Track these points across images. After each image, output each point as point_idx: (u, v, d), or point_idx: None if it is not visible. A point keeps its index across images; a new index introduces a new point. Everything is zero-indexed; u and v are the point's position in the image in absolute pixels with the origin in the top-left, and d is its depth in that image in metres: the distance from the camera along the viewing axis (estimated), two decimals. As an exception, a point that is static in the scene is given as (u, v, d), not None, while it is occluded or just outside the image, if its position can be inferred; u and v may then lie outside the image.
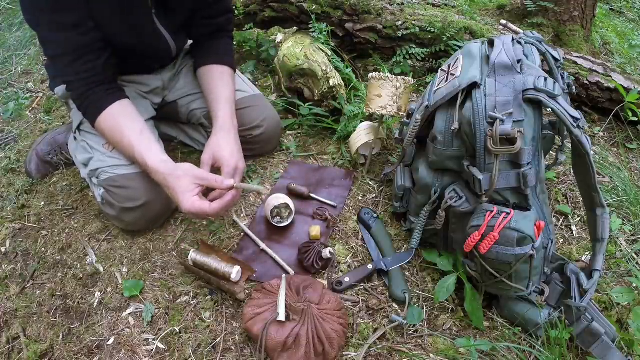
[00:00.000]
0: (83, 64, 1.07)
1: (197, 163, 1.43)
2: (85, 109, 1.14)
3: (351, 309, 1.03)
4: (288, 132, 1.58)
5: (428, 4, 2.09)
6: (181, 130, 1.48)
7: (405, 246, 1.18)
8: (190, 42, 1.42)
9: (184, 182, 1.03)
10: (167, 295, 1.08)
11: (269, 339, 0.88)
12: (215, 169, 1.19)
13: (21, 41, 2.35)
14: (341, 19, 1.77)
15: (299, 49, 1.60)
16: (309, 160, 1.48)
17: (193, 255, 1.07)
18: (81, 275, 1.14)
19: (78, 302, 1.09)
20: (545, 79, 0.88)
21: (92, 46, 1.07)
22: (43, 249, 1.23)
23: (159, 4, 1.15)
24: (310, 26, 1.71)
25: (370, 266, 1.10)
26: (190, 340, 0.99)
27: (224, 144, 1.18)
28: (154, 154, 1.08)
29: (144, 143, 1.09)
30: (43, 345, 1.01)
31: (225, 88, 1.28)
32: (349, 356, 0.94)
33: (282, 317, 0.89)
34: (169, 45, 1.26)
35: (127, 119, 1.12)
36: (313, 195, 1.31)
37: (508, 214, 0.86)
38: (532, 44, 1.00)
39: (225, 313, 1.03)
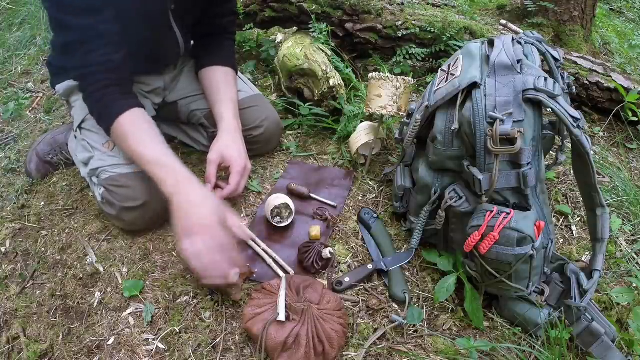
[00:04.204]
0: (100, 56, 1.03)
1: (197, 163, 1.45)
2: (100, 112, 1.10)
3: (351, 309, 1.03)
4: (288, 132, 1.58)
5: (428, 4, 2.10)
6: (181, 131, 1.48)
7: (405, 246, 1.18)
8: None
9: (210, 205, 0.99)
10: (167, 295, 1.08)
11: (269, 339, 0.88)
12: (222, 169, 1.19)
13: (21, 41, 2.35)
14: (341, 19, 1.77)
15: (299, 49, 1.60)
16: (309, 160, 1.48)
17: None
18: (81, 275, 1.14)
19: (78, 302, 1.09)
20: (545, 79, 0.88)
21: (111, 38, 1.03)
22: (43, 249, 1.23)
23: (178, 2, 1.15)
24: (310, 26, 1.71)
25: (370, 266, 1.10)
26: (190, 340, 0.99)
27: (232, 144, 1.18)
28: (181, 165, 1.05)
29: (169, 153, 1.07)
30: (43, 345, 1.01)
31: (230, 89, 1.28)
32: (349, 356, 0.94)
33: (282, 317, 0.89)
34: (179, 45, 1.26)
35: (147, 129, 1.08)
36: (313, 195, 1.31)
37: (508, 214, 0.86)
38: (532, 44, 1.00)
39: (225, 313, 1.03)
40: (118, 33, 1.05)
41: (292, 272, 1.10)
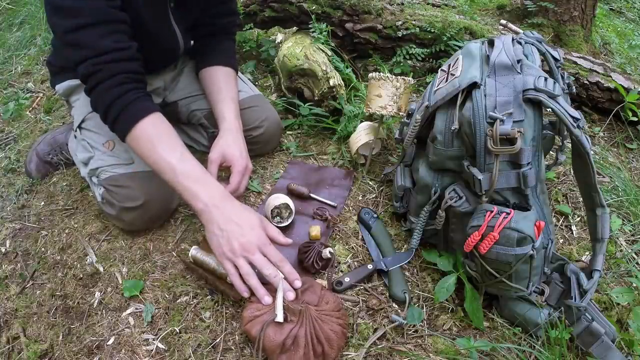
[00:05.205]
0: (115, 42, 0.97)
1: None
2: (117, 112, 1.00)
3: (351, 309, 1.03)
4: (288, 132, 1.58)
5: (428, 4, 2.10)
6: (181, 131, 1.48)
7: (405, 246, 1.18)
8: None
9: (258, 223, 0.99)
10: (167, 295, 1.08)
11: (267, 340, 0.88)
12: (223, 169, 1.19)
13: (21, 41, 2.35)
14: (341, 19, 1.77)
15: (299, 49, 1.60)
16: (309, 160, 1.48)
17: (193, 252, 1.07)
18: (81, 275, 1.14)
19: (78, 302, 1.09)
20: (545, 79, 0.88)
21: (121, 25, 0.99)
22: (43, 249, 1.23)
23: (178, 0, 1.15)
24: (310, 26, 1.71)
25: (370, 266, 1.10)
26: (190, 340, 0.99)
27: (233, 144, 1.18)
28: (214, 179, 1.03)
29: (201, 167, 1.03)
30: (43, 345, 1.01)
31: (230, 89, 1.28)
32: (349, 356, 0.94)
33: (280, 318, 0.89)
34: (179, 43, 1.26)
35: (175, 137, 1.03)
36: (313, 195, 1.31)
37: (508, 214, 0.86)
38: (532, 44, 1.00)
39: (225, 313, 1.03)
40: (127, 22, 1.01)
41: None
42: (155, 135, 1.01)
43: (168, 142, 1.02)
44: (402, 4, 1.86)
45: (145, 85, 1.08)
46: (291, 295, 0.93)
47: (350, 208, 1.30)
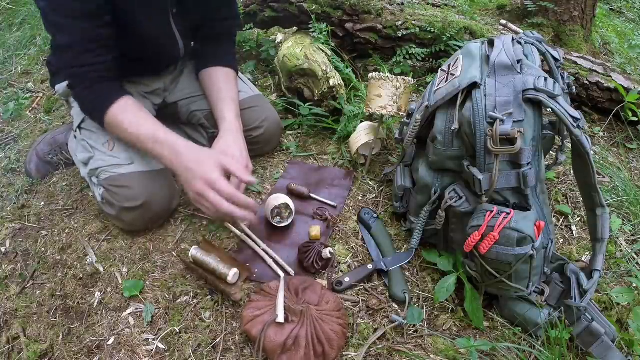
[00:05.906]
0: (93, 57, 1.06)
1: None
2: (91, 107, 1.13)
3: (351, 309, 1.03)
4: (288, 132, 1.58)
5: (428, 4, 2.10)
6: (181, 131, 1.48)
7: (405, 246, 1.18)
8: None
9: (208, 163, 1.04)
10: (167, 295, 1.08)
11: (268, 340, 0.88)
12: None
13: (21, 41, 2.35)
14: (341, 19, 1.77)
15: (299, 49, 1.60)
16: (309, 160, 1.48)
17: (194, 252, 1.07)
18: (81, 275, 1.14)
19: (78, 302, 1.09)
20: (545, 79, 0.88)
21: (104, 41, 1.06)
22: (43, 249, 1.23)
23: (179, 4, 1.16)
24: (310, 26, 1.71)
25: (370, 266, 1.10)
26: (190, 340, 0.99)
27: (233, 144, 1.18)
28: (176, 137, 1.09)
29: (163, 130, 1.09)
30: (43, 345, 1.01)
31: (231, 89, 1.28)
32: (349, 356, 0.94)
33: (280, 318, 0.89)
34: (179, 47, 1.26)
35: (140, 112, 1.11)
36: (313, 195, 1.31)
37: (508, 214, 0.86)
38: (532, 44, 1.01)
39: (225, 313, 1.03)
40: (112, 37, 1.07)
41: (292, 273, 1.10)
42: (124, 117, 1.09)
43: (136, 118, 1.10)
44: (402, 4, 1.86)
45: (118, 82, 1.15)
46: (250, 217, 1.03)
47: (350, 208, 1.30)
